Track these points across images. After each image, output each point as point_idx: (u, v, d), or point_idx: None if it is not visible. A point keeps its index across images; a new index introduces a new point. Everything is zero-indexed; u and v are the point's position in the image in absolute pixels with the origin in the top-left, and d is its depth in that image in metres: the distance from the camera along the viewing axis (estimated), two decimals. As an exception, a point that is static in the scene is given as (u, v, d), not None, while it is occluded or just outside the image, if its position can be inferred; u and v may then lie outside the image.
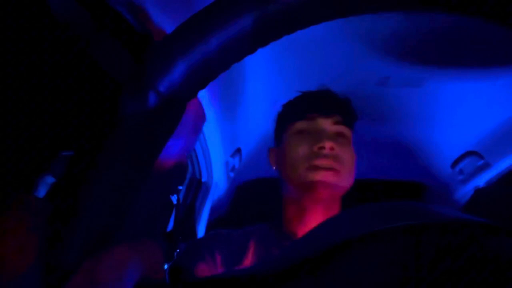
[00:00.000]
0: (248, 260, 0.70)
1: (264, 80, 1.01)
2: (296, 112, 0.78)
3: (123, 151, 0.21)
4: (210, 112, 0.99)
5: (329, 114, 0.74)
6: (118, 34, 0.56)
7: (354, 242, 0.18)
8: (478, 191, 1.35)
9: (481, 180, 1.33)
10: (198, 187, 1.30)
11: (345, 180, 0.72)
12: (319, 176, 0.68)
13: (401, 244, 0.18)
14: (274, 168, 0.81)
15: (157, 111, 0.21)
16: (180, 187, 1.13)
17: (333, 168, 0.69)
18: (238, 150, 1.35)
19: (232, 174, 1.43)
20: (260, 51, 0.25)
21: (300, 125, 0.75)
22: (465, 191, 1.41)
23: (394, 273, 0.17)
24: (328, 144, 0.69)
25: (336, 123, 0.74)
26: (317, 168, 0.68)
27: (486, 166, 1.28)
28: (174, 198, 0.94)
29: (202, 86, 0.23)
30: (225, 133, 1.18)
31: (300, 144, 0.72)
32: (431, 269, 0.17)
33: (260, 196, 1.40)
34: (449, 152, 1.36)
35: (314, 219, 0.71)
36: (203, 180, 1.31)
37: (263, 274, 0.19)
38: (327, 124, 0.73)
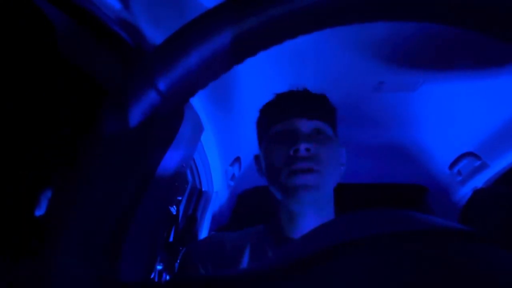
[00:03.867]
0: (245, 264, 0.69)
1: (261, 88, 1.02)
2: (270, 116, 0.75)
3: (119, 166, 0.21)
4: (207, 122, 0.99)
5: (303, 113, 0.71)
6: (108, 42, 0.57)
7: (343, 247, 0.19)
8: (476, 192, 1.35)
9: (480, 181, 1.34)
10: (198, 197, 1.31)
11: (328, 178, 0.69)
12: (300, 180, 0.66)
13: (388, 251, 0.19)
14: (260, 175, 0.79)
15: (147, 127, 0.21)
16: (180, 198, 1.14)
17: (312, 169, 0.66)
18: (237, 159, 1.36)
19: (232, 183, 1.43)
20: (257, 59, 0.26)
21: (276, 128, 0.72)
22: (464, 192, 1.41)
23: (380, 279, 0.18)
24: (302, 146, 0.66)
25: (311, 119, 0.71)
26: (296, 172, 0.66)
27: (484, 167, 1.28)
28: (173, 209, 0.94)
29: (184, 102, 0.23)
30: (224, 142, 1.18)
31: (277, 149, 0.70)
32: (416, 278, 0.18)
33: (261, 204, 1.39)
34: (447, 154, 1.37)
35: (306, 223, 0.70)
36: (203, 189, 1.31)
37: (254, 275, 0.19)
38: (302, 123, 0.71)
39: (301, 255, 0.19)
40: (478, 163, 1.29)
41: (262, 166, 0.77)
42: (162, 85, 0.21)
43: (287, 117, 0.72)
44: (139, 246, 0.59)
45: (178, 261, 0.78)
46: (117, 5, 0.55)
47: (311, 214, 0.70)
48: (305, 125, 0.71)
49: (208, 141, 1.10)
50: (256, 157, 0.82)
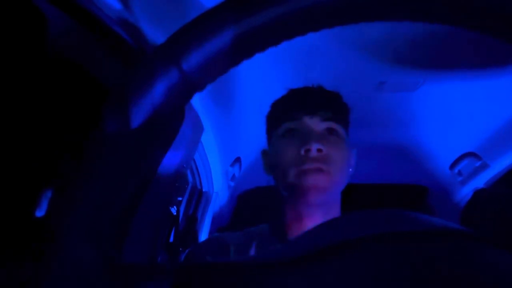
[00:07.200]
0: None
1: (262, 88, 1.02)
2: (282, 112, 0.73)
3: (122, 164, 0.21)
4: (208, 122, 0.99)
5: (316, 112, 0.69)
6: (109, 44, 0.57)
7: (343, 246, 0.19)
8: (477, 192, 1.35)
9: (480, 181, 1.34)
10: (199, 197, 1.31)
11: (338, 180, 0.68)
12: (309, 180, 0.64)
13: (387, 251, 0.19)
14: (267, 173, 0.77)
15: (149, 126, 0.21)
16: (180, 198, 1.14)
17: (323, 170, 0.65)
18: (238, 159, 1.36)
19: (232, 183, 1.43)
20: (256, 60, 0.26)
21: (287, 126, 0.70)
22: (465, 192, 1.41)
23: (379, 278, 0.18)
24: (314, 146, 0.65)
25: (324, 120, 0.69)
26: (306, 172, 0.65)
27: (484, 167, 1.28)
28: (173, 210, 0.94)
29: (187, 100, 0.23)
30: (224, 143, 1.18)
31: (287, 147, 0.68)
32: (415, 277, 0.18)
33: (262, 205, 1.39)
34: (448, 154, 1.37)
35: (312, 224, 0.67)
36: (203, 190, 1.31)
37: (257, 263, 0.20)
38: (314, 123, 0.69)
39: (302, 252, 0.20)
40: (478, 163, 1.29)
41: (270, 164, 0.75)
42: (185, 65, 0.21)
43: (299, 116, 0.70)
44: (140, 246, 0.59)
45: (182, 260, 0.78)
46: (118, 5, 0.55)
47: (318, 215, 0.68)
48: (318, 125, 0.69)
49: (208, 141, 1.10)
50: (264, 152, 0.80)
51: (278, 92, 0.79)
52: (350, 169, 0.74)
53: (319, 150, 0.66)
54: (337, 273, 0.18)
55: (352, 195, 0.78)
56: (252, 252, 0.70)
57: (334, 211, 0.71)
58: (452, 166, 1.38)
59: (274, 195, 0.78)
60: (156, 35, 0.61)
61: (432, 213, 1.56)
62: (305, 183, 0.65)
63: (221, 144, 1.16)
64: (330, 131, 0.70)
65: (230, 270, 0.19)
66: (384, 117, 1.22)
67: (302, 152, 0.66)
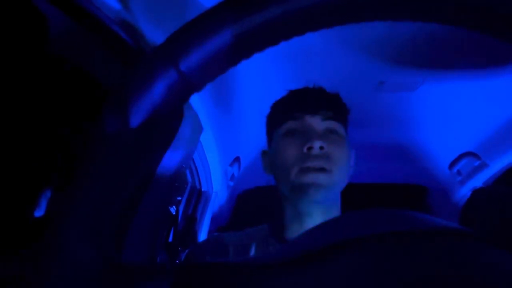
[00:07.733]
0: None
1: (261, 88, 1.02)
2: (283, 112, 0.74)
3: (121, 164, 0.21)
4: (207, 122, 0.99)
5: (317, 111, 0.71)
6: (109, 45, 0.57)
7: (343, 245, 0.19)
8: (476, 192, 1.35)
9: (479, 180, 1.34)
10: (198, 197, 1.31)
11: (338, 179, 0.68)
12: (310, 178, 0.65)
13: (386, 250, 0.19)
14: (267, 173, 0.78)
15: (148, 126, 0.21)
16: (179, 198, 1.13)
17: (324, 168, 0.66)
18: (237, 159, 1.36)
19: (231, 183, 1.43)
20: (256, 60, 0.26)
21: (288, 125, 0.72)
22: (464, 192, 1.41)
23: (378, 277, 0.18)
24: (316, 144, 0.66)
25: (325, 119, 0.71)
26: (308, 170, 0.66)
27: (483, 166, 1.28)
28: (173, 209, 0.94)
29: (185, 100, 0.23)
30: (223, 142, 1.18)
31: (289, 146, 0.69)
32: (414, 277, 0.18)
33: (261, 204, 1.39)
34: (447, 154, 1.37)
35: (312, 224, 0.68)
36: (203, 190, 1.31)
37: (256, 263, 0.20)
38: (315, 122, 0.70)
39: (302, 252, 0.20)
40: (477, 163, 1.29)
41: (270, 163, 0.76)
42: (184, 65, 0.21)
43: (300, 115, 0.71)
44: (140, 246, 0.59)
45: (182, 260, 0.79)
46: (117, 5, 0.55)
47: (318, 215, 0.69)
48: (319, 124, 0.70)
49: (208, 141, 1.10)
50: (264, 153, 0.80)
51: (278, 92, 0.79)
52: (351, 170, 0.75)
53: (321, 148, 0.66)
54: (337, 273, 0.18)
55: (352, 195, 0.78)
56: (252, 253, 0.70)
57: (334, 211, 0.72)
58: (451, 165, 1.38)
59: (273, 195, 0.78)
60: (156, 35, 0.61)
61: (431, 213, 1.56)
62: (306, 180, 0.66)
63: (220, 143, 1.16)
64: (331, 130, 0.71)
65: (230, 270, 0.19)
66: (384, 117, 1.22)
67: (305, 150, 0.67)
